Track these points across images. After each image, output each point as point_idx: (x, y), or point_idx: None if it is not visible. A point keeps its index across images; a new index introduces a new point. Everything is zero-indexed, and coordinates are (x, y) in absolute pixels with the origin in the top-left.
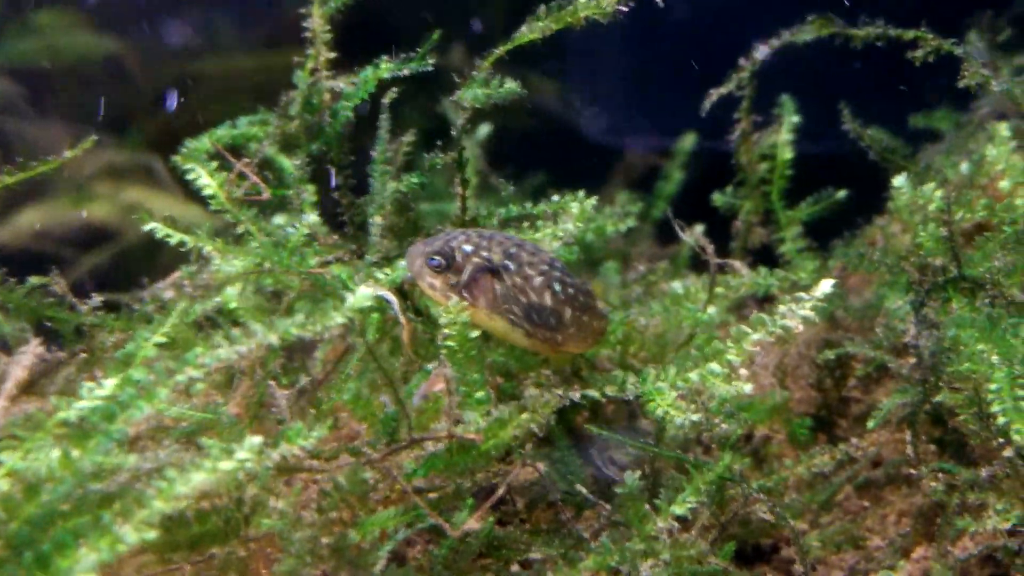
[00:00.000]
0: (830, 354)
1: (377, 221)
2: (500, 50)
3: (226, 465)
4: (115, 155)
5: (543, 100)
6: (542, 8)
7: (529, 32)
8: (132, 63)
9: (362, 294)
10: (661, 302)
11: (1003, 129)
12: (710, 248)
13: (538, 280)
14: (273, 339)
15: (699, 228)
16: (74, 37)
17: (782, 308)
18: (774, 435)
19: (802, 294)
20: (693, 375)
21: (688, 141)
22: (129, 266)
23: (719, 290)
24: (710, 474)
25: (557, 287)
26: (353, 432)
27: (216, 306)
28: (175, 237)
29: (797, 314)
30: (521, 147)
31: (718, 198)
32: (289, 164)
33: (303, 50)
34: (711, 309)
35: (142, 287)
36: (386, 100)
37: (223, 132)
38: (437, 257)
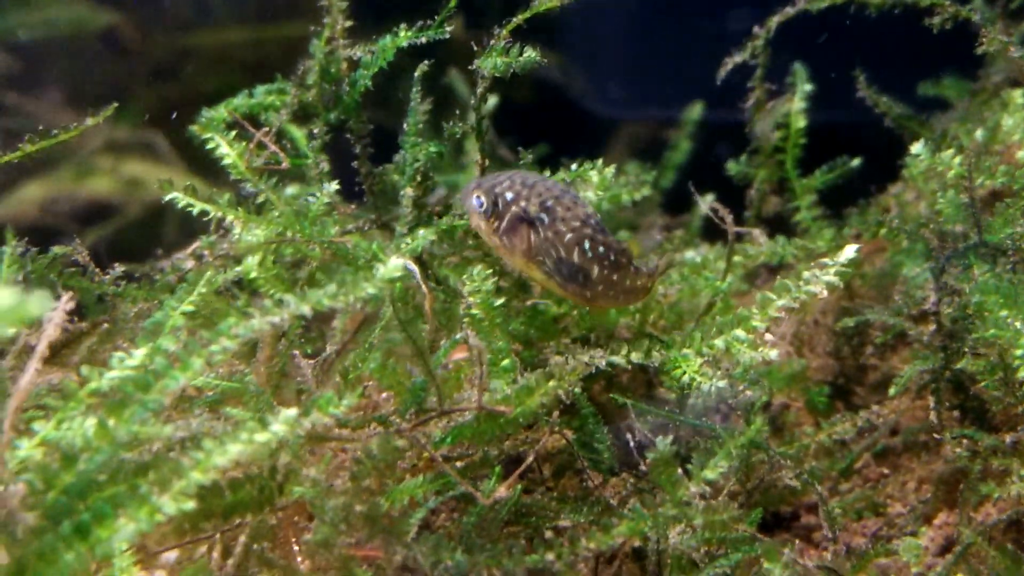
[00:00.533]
0: (850, 322)
1: (408, 193)
2: (519, 18)
3: (262, 436)
4: (114, 128)
5: (544, 70)
6: None
7: (548, 0)
8: (128, 35)
9: (393, 265)
10: (679, 271)
11: (1018, 96)
12: (729, 217)
13: (568, 236)
14: (306, 310)
15: (710, 197)
16: (70, 9)
17: (807, 274)
18: (792, 403)
19: (826, 259)
20: (719, 341)
21: (695, 111)
22: (131, 240)
23: (736, 259)
24: (741, 438)
25: (587, 244)
26: (373, 402)
27: (236, 276)
28: (197, 206)
29: (822, 280)
30: (523, 117)
31: (732, 166)
32: (301, 135)
33: (297, 23)
34: (728, 278)
35: (156, 257)
36: (418, 73)
37: (240, 101)
38: (483, 199)
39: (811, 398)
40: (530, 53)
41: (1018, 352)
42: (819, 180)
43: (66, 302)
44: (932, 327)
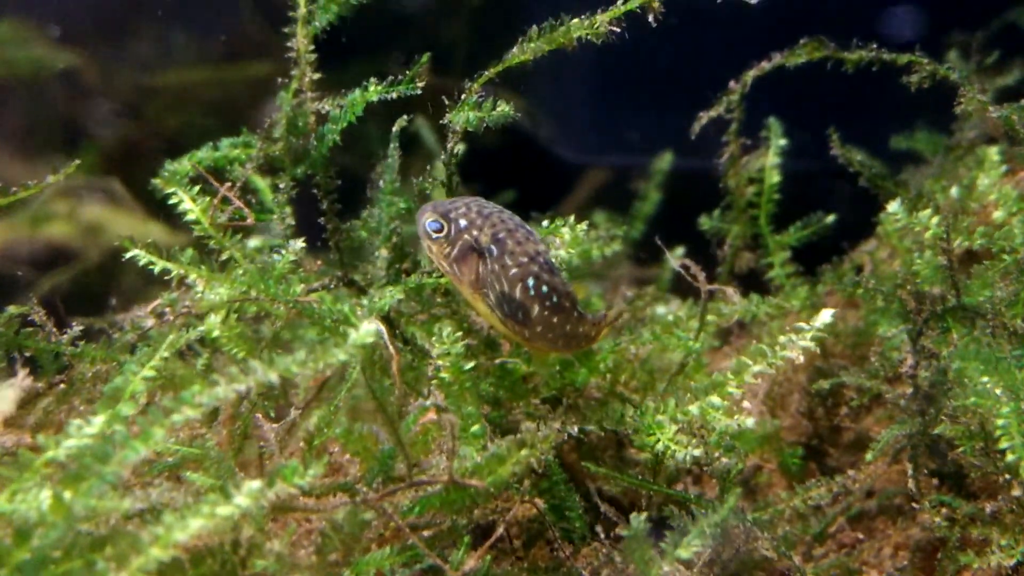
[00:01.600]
0: (825, 384)
1: (384, 255)
2: (491, 71)
3: (224, 510)
4: (72, 172)
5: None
6: (533, 29)
7: (521, 54)
8: (88, 76)
9: (366, 330)
10: (651, 329)
11: (993, 154)
12: (701, 276)
13: (514, 271)
14: (273, 377)
15: (679, 251)
16: (29, 49)
17: (782, 338)
18: (764, 464)
19: (802, 323)
20: (693, 408)
21: (665, 160)
22: (89, 286)
23: (710, 317)
24: (716, 516)
25: (531, 282)
26: (336, 464)
27: (199, 335)
28: (159, 265)
29: (798, 344)
30: (488, 162)
31: (705, 221)
32: (265, 186)
33: (262, 63)
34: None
35: (113, 310)
36: (396, 128)
37: (204, 154)
38: (438, 223)
39: (784, 460)
40: (503, 107)
41: (999, 421)
42: (793, 237)
43: (23, 379)
44: (909, 390)
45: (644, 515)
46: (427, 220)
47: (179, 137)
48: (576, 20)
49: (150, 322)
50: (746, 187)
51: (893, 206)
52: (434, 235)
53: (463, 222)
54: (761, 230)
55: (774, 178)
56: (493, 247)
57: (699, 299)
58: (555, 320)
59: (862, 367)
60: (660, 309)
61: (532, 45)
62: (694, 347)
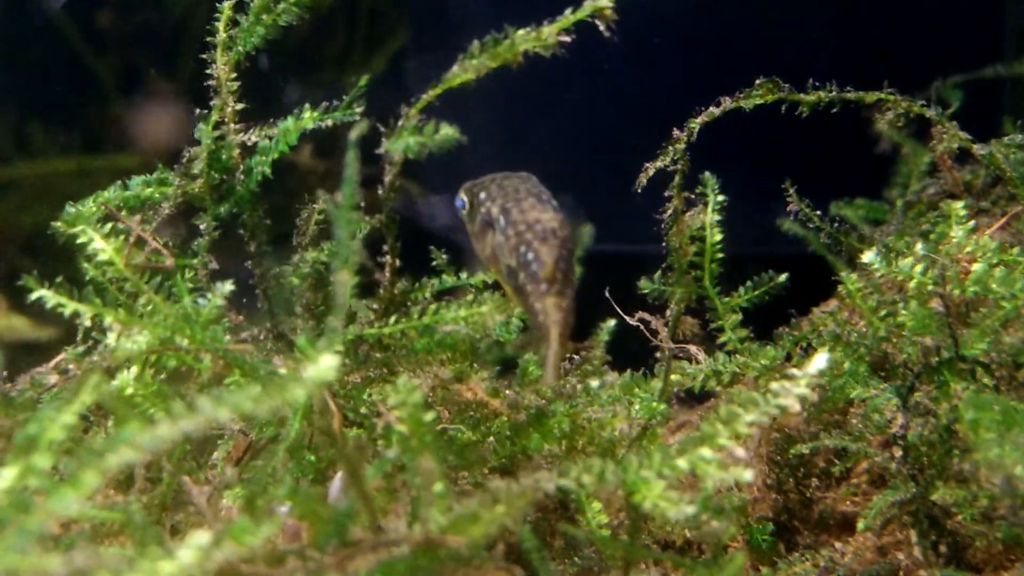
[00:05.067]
0: (804, 449)
1: (343, 279)
2: (431, 94)
3: (168, 568)
4: None
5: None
6: (475, 44)
7: (462, 72)
8: None
9: (327, 364)
10: (608, 392)
11: (959, 208)
12: (664, 333)
13: (512, 240)
14: (224, 415)
15: (611, 323)
16: None
17: (775, 386)
18: (730, 544)
19: (795, 370)
20: (682, 462)
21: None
22: None
23: (674, 377)
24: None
25: (523, 249)
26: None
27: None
28: (69, 307)
29: (792, 392)
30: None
31: (645, 284)
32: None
33: (129, 155)
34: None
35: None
36: (354, 135)
37: (112, 194)
38: (463, 198)
39: (753, 537)
40: (447, 130)
41: None
42: (744, 298)
43: None
44: (899, 453)
45: None
46: (458, 198)
47: (39, 231)
48: (522, 31)
49: (53, 379)
50: (689, 246)
51: (868, 256)
52: (460, 211)
53: (482, 195)
54: (707, 292)
55: (715, 236)
56: (501, 218)
57: (639, 371)
58: (528, 289)
59: (837, 432)
60: (594, 383)
61: (474, 62)
62: (659, 408)
